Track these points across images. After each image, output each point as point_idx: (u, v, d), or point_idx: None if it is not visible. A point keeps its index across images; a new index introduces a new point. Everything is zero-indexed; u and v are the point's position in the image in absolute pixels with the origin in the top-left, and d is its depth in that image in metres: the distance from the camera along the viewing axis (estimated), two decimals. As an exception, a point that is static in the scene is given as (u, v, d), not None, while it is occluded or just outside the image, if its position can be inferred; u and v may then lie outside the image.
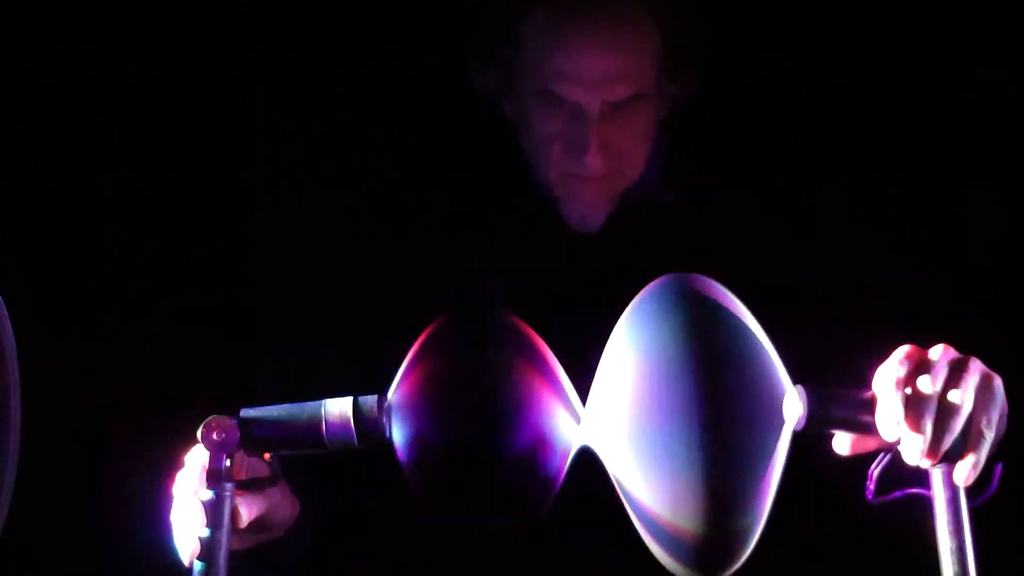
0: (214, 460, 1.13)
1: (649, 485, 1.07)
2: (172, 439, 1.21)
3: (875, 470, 1.11)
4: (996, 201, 2.05)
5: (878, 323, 1.43)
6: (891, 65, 2.03)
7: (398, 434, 1.12)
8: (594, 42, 1.57)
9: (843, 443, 1.12)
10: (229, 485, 1.14)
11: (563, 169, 1.60)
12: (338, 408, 1.12)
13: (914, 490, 1.10)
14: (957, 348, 1.11)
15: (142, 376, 1.94)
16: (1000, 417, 1.10)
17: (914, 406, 1.07)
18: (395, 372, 1.13)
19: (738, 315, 1.08)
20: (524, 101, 1.62)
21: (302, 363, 1.66)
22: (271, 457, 1.18)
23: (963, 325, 1.43)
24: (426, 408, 1.12)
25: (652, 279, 1.10)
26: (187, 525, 1.14)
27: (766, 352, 1.07)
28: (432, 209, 1.70)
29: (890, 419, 1.07)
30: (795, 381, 1.08)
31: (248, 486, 1.18)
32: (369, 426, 1.11)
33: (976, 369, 1.10)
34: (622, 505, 1.09)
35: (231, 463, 1.13)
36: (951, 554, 1.06)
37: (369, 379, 1.15)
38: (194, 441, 1.14)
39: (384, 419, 1.11)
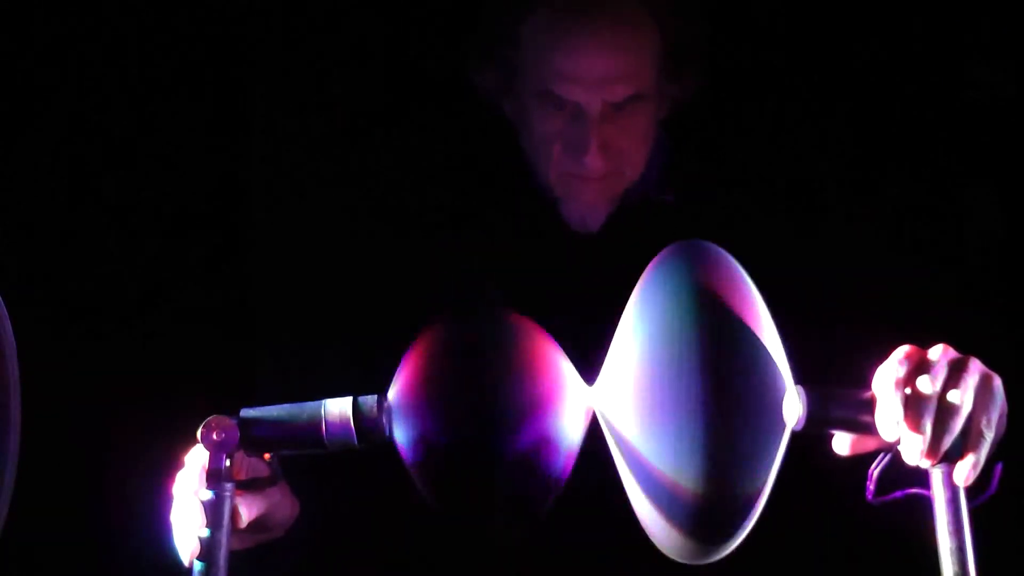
0: (214, 460, 1.13)
1: (653, 441, 1.07)
2: (172, 439, 1.21)
3: (875, 470, 1.11)
4: (996, 201, 2.05)
5: (878, 323, 1.42)
6: (891, 65, 2.03)
7: (398, 434, 1.12)
8: (594, 42, 1.57)
9: (843, 443, 1.12)
10: (229, 485, 1.14)
11: (563, 169, 1.60)
12: (338, 408, 1.12)
13: (914, 490, 1.10)
14: (957, 348, 1.11)
15: (142, 376, 1.94)
16: (1000, 417, 1.10)
17: (914, 406, 1.07)
18: (395, 372, 1.13)
19: (748, 291, 1.08)
20: (524, 101, 1.61)
21: (302, 363, 1.66)
22: (271, 457, 1.18)
23: (963, 325, 1.43)
24: (426, 408, 1.12)
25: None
26: (187, 525, 1.14)
27: (773, 330, 1.07)
28: (432, 209, 1.70)
29: (890, 419, 1.07)
30: (795, 381, 1.08)
31: (248, 486, 1.18)
32: (369, 426, 1.11)
33: (976, 369, 1.09)
34: (623, 505, 1.09)
35: (231, 463, 1.14)
36: (951, 554, 1.06)
37: (369, 379, 1.15)
38: (194, 441, 1.14)
39: (384, 419, 1.11)
